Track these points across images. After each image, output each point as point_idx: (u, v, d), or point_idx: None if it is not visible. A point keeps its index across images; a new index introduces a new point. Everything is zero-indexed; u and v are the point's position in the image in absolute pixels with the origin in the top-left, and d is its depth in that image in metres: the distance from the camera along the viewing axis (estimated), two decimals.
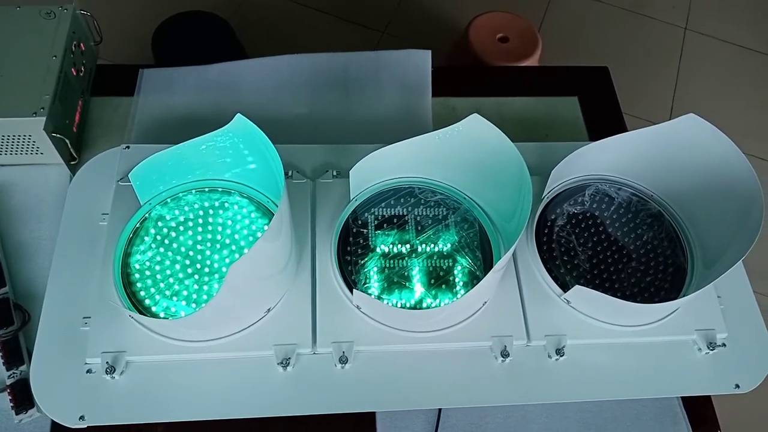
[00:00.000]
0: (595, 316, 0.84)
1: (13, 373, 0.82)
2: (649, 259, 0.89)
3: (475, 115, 0.79)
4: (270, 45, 2.10)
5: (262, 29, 2.20)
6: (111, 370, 0.76)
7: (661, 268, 0.89)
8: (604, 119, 1.18)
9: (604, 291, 0.85)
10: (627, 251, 0.90)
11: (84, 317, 0.80)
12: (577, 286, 0.79)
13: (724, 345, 0.85)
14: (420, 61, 1.17)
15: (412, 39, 2.24)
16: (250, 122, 0.75)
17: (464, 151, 0.84)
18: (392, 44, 2.22)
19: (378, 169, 0.88)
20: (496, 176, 0.84)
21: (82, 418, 0.75)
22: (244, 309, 0.79)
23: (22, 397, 0.80)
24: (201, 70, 1.14)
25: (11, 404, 0.80)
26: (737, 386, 0.84)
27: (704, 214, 0.90)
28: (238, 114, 0.75)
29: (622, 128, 1.16)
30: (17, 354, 0.83)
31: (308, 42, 2.19)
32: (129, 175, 0.83)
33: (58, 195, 0.96)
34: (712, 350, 0.84)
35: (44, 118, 0.91)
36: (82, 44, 1.05)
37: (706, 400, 0.91)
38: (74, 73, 1.02)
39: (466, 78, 1.26)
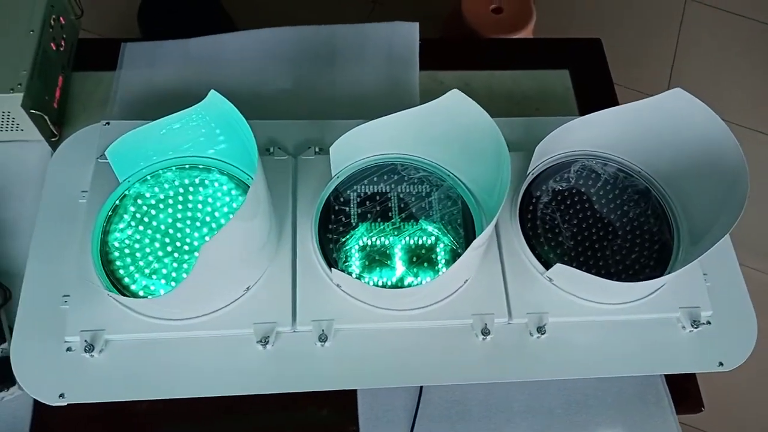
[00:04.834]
0: (577, 294, 0.83)
1: None
2: (635, 236, 0.88)
3: (455, 90, 0.77)
4: (259, 16, 2.06)
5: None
6: (90, 348, 0.76)
7: (646, 245, 0.88)
8: (596, 93, 1.16)
9: (588, 269, 0.85)
10: (612, 228, 0.89)
11: (64, 295, 0.80)
12: (558, 264, 0.78)
13: (708, 323, 0.84)
14: (407, 34, 1.14)
15: (404, 10, 2.20)
16: (225, 99, 0.73)
17: (445, 126, 0.83)
18: (384, 16, 2.15)
19: (359, 145, 0.86)
20: (476, 151, 0.83)
21: (62, 395, 0.76)
22: (222, 287, 0.78)
23: (3, 374, 0.80)
24: (184, 44, 1.12)
25: None
26: (721, 364, 0.83)
27: (691, 189, 0.88)
28: (212, 91, 0.73)
29: (613, 102, 1.14)
30: None
31: (298, 12, 2.14)
32: (106, 152, 0.82)
33: (39, 172, 0.95)
34: (696, 328, 0.83)
35: (22, 95, 0.89)
36: (62, 18, 1.03)
37: (690, 377, 0.90)
38: (54, 48, 1.00)
39: (455, 51, 1.23)
